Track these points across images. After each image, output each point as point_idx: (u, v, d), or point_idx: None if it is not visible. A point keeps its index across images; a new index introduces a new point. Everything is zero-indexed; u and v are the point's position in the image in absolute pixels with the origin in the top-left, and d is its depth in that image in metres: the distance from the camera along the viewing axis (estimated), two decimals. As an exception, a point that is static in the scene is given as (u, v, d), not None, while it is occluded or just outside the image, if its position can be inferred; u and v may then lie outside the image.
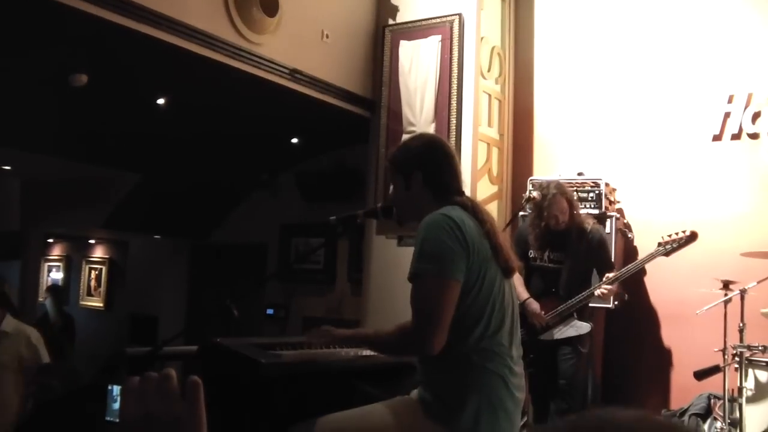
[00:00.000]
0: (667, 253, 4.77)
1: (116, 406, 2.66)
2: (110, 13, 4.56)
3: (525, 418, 5.18)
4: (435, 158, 2.80)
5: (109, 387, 2.70)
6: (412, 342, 2.55)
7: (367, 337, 2.86)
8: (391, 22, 6.68)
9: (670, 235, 4.78)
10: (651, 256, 4.86)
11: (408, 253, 5.89)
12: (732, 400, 4.73)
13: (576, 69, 6.74)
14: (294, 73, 5.83)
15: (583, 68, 6.70)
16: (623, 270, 4.98)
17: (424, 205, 2.73)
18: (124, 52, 5.58)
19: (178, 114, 7.11)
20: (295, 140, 8.33)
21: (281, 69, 5.73)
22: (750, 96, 6.04)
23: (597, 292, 4.84)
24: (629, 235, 6.05)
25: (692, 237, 4.70)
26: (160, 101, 6.80)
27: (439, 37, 6.37)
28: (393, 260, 6.17)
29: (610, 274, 4.85)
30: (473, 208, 2.70)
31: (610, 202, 5.96)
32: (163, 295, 10.41)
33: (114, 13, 4.57)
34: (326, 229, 3.09)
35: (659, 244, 4.80)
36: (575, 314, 4.89)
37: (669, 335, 6.10)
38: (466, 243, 2.53)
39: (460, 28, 6.31)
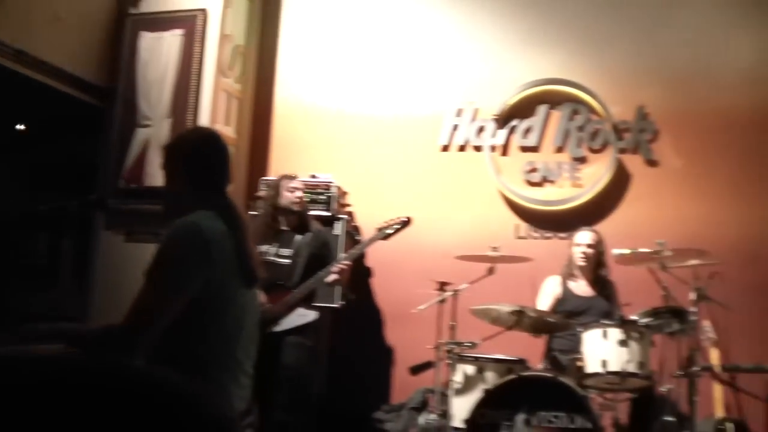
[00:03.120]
0: (385, 237, 4.98)
1: None
2: None
3: (251, 417, 5.20)
4: (200, 156, 2.71)
5: None
6: (116, 337, 2.46)
7: (66, 331, 2.65)
8: (132, 11, 6.49)
9: (387, 221, 5.00)
10: (372, 240, 5.03)
11: (136, 249, 5.73)
12: (444, 393, 5.03)
13: (316, 73, 6.91)
14: (19, 54, 5.49)
15: (324, 72, 6.89)
16: (349, 252, 5.13)
17: (184, 202, 2.64)
18: None
19: None
20: (21, 127, 7.83)
21: (4, 49, 5.38)
22: (476, 111, 6.53)
23: (329, 278, 4.92)
24: (357, 237, 6.27)
25: (407, 222, 4.96)
26: None
27: (181, 32, 6.28)
28: (121, 256, 5.99)
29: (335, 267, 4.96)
30: (230, 214, 2.64)
31: (341, 205, 6.16)
32: None
33: None
34: (50, 223, 2.94)
35: (377, 229, 5.01)
36: (302, 305, 4.97)
37: (391, 334, 6.41)
38: (208, 256, 2.49)
39: (203, 24, 6.26)
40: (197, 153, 2.72)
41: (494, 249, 5.06)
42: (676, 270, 4.87)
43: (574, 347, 4.79)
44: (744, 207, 6.11)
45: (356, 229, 6.36)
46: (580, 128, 6.38)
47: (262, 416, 4.96)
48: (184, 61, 6.22)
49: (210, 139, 2.81)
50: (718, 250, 5.32)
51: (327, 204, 6.00)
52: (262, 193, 5.54)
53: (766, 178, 6.16)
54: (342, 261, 4.96)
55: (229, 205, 2.71)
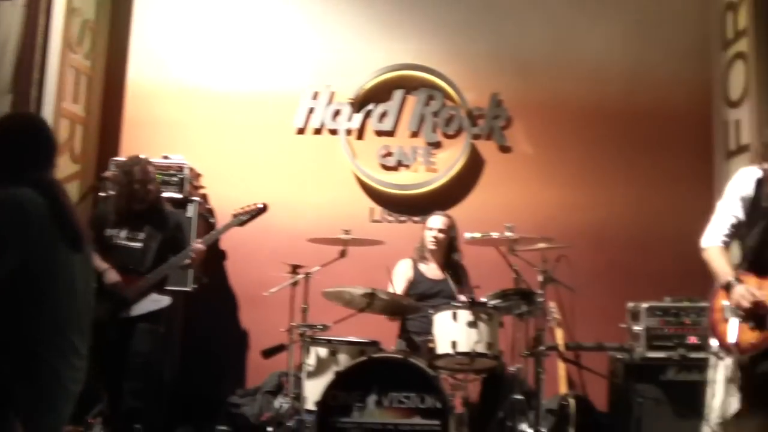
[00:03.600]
0: (241, 223, 4.93)
1: None
2: None
3: (100, 405, 5.04)
4: (11, 140, 2.66)
5: None
6: None
7: None
8: (-34, -25, 6.09)
9: (243, 207, 4.95)
10: (227, 227, 4.98)
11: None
12: (297, 376, 5.00)
13: (170, 50, 6.70)
14: None
15: (178, 50, 6.69)
16: (204, 238, 5.02)
17: (3, 181, 2.54)
18: None
19: None
20: None
21: None
22: (332, 94, 6.53)
23: (183, 263, 4.83)
24: (211, 220, 6.15)
25: (264, 209, 4.94)
26: None
27: (23, 1, 5.94)
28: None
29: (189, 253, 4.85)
30: (48, 187, 2.57)
31: (194, 187, 6.03)
32: None
33: None
34: None
35: (234, 216, 4.95)
36: (155, 290, 4.84)
37: (246, 317, 6.34)
38: (24, 224, 2.41)
39: (49, -5, 5.95)
40: (7, 137, 2.67)
41: (346, 232, 5.06)
42: (526, 253, 5.01)
43: (427, 329, 4.86)
44: (590, 193, 6.40)
45: (210, 211, 6.24)
46: (435, 114, 6.49)
47: (112, 404, 4.82)
48: (28, 33, 5.89)
49: (24, 125, 2.80)
50: (565, 235, 5.54)
51: (180, 186, 5.86)
52: (111, 173, 5.33)
53: (612, 166, 6.46)
54: (196, 247, 4.86)
55: (49, 180, 2.66)
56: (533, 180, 6.43)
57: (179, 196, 5.78)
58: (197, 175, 6.14)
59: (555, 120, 6.50)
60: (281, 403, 5.33)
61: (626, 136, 6.52)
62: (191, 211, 5.79)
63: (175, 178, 5.84)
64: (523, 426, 4.75)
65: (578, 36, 6.59)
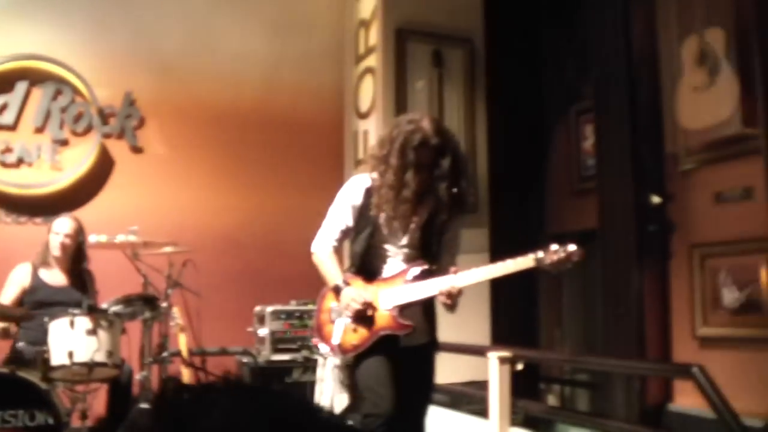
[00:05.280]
0: None
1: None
2: None
3: None
4: None
5: None
6: None
7: None
8: None
9: None
10: None
11: None
12: None
13: None
14: None
15: None
16: None
17: None
18: None
19: None
20: None
21: None
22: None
23: None
24: None
25: None
26: None
27: None
28: None
29: None
30: None
31: None
32: None
33: None
34: None
35: None
36: None
37: None
38: None
39: None
40: None
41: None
42: (154, 257, 4.90)
43: (43, 339, 4.53)
44: (224, 197, 6.44)
45: None
46: (64, 110, 6.13)
47: None
48: None
49: None
50: (198, 238, 5.52)
51: None
52: None
53: (247, 170, 6.56)
54: None
55: None
56: (165, 182, 6.31)
57: None
58: None
59: (190, 122, 6.44)
60: None
61: (263, 140, 6.63)
62: None
63: None
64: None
65: (216, 36, 6.59)
